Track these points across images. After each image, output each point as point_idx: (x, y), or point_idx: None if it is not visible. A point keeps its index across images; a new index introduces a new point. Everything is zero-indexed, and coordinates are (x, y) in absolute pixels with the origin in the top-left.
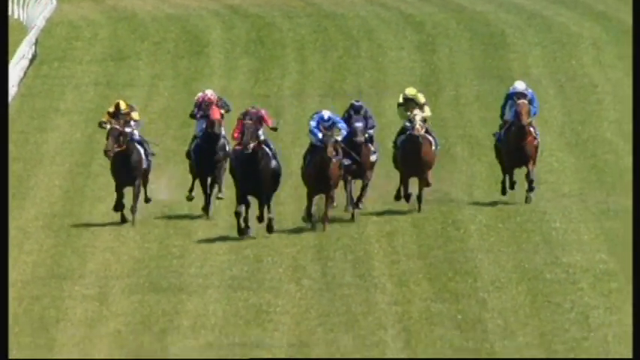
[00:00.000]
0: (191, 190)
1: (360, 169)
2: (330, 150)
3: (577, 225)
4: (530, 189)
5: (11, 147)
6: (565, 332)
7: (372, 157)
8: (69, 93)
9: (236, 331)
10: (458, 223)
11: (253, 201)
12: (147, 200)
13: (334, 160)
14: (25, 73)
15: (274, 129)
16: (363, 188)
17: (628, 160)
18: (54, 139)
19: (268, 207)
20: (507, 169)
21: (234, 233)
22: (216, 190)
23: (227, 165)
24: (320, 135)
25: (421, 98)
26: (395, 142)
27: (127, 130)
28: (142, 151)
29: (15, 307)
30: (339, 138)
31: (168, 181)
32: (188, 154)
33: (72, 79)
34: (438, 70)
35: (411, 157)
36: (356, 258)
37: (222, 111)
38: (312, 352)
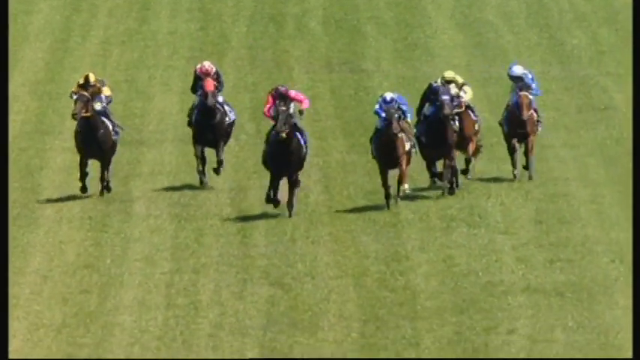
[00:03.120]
0: (201, 172)
1: (442, 147)
2: (396, 125)
3: None
4: (529, 171)
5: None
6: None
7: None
8: None
9: (186, 176)
10: (368, 89)
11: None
12: (108, 189)
13: (399, 135)
14: None
15: (301, 112)
16: (447, 167)
17: (506, 38)
18: (38, 20)
19: (294, 188)
20: (510, 147)
21: (189, 98)
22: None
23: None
24: (383, 114)
25: (459, 79)
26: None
27: (97, 107)
28: (109, 124)
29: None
30: (407, 119)
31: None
32: (189, 124)
33: None
34: None
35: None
36: None
37: (217, 86)
38: (249, 195)
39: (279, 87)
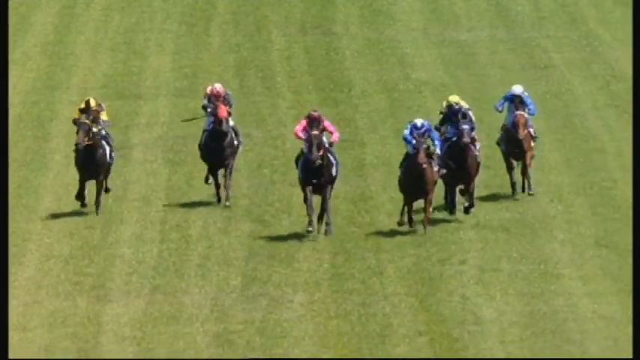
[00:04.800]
0: (207, 178)
1: (463, 173)
2: (422, 156)
3: (422, 50)
4: (529, 186)
5: None
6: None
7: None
8: None
9: (178, 127)
10: (338, 50)
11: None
12: (106, 190)
13: (425, 165)
14: None
15: (331, 144)
16: (466, 191)
17: (458, 4)
18: None
19: (326, 208)
20: (507, 168)
21: (181, 58)
22: (225, 190)
23: (238, 156)
24: (413, 142)
25: (464, 104)
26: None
27: (95, 129)
28: (107, 147)
29: (20, 109)
30: (436, 151)
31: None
32: (200, 147)
33: None
34: None
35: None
36: (264, 75)
37: (228, 108)
38: None
39: (313, 112)
